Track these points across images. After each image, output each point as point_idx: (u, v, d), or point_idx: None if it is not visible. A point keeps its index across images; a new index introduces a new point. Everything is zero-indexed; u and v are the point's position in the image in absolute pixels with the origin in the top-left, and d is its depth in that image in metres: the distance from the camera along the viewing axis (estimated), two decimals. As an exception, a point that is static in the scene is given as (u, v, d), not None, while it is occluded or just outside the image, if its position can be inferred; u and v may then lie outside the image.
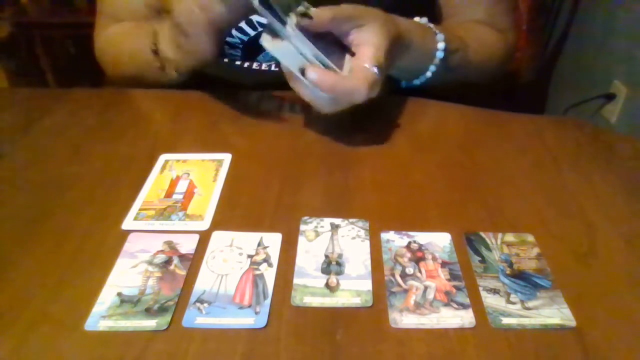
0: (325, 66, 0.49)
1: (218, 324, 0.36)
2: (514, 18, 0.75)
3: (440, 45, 0.59)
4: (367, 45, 0.50)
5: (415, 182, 0.50)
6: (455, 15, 0.70)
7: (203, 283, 0.39)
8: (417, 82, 0.63)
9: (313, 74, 0.47)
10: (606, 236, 0.44)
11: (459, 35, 0.63)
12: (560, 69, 1.60)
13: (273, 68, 0.66)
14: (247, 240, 0.43)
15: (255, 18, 0.63)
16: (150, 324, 0.35)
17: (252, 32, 0.65)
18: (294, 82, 0.51)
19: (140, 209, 0.45)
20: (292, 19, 0.47)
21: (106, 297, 0.37)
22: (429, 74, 0.61)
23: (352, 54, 0.51)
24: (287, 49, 0.48)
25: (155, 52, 0.60)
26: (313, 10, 0.48)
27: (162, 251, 0.41)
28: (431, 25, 0.61)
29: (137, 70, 0.65)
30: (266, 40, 0.48)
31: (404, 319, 0.36)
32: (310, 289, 0.38)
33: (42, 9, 1.71)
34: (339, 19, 0.49)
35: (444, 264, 0.41)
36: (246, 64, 0.67)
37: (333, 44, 0.51)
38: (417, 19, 0.61)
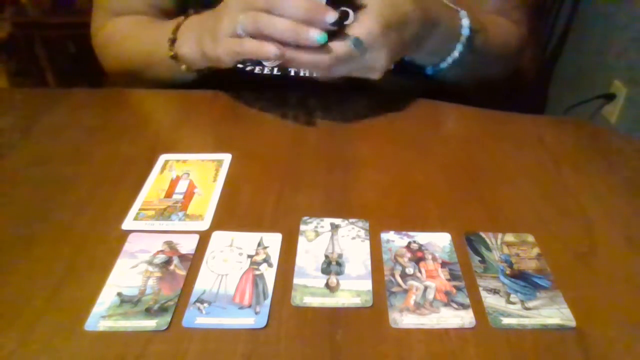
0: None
1: (218, 324, 0.36)
2: (526, 12, 0.74)
3: (465, 22, 0.59)
4: None
5: (415, 182, 0.50)
6: (469, 7, 0.70)
7: (203, 283, 0.39)
8: (444, 64, 0.62)
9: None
10: (606, 236, 0.44)
11: (478, 19, 0.63)
12: (560, 69, 1.60)
13: (275, 72, 0.66)
14: (247, 240, 0.43)
15: None
16: (150, 324, 0.35)
17: None
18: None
19: (140, 209, 0.45)
20: None
21: (106, 297, 0.37)
22: (456, 53, 0.60)
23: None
24: None
25: (172, 41, 0.60)
26: None
27: (162, 251, 0.41)
28: (452, 5, 0.61)
29: (143, 63, 0.64)
30: None
31: (404, 319, 0.36)
32: (310, 289, 0.38)
33: (42, 9, 1.71)
34: None
35: (444, 264, 0.41)
36: (248, 68, 0.67)
37: None
38: None
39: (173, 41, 0.60)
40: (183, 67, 0.61)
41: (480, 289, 0.39)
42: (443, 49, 0.61)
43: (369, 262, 0.41)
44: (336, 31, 0.50)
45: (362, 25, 0.50)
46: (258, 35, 0.49)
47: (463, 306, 0.38)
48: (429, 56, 0.61)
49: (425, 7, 0.54)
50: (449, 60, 0.61)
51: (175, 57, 0.60)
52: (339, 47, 0.49)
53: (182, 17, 0.61)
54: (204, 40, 0.55)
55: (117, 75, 0.71)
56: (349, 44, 0.49)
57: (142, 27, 0.66)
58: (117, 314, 0.36)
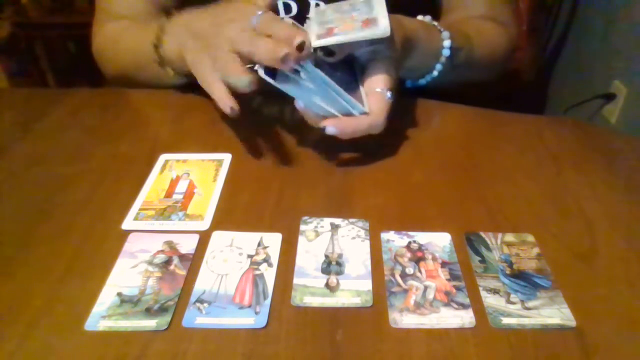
0: (339, 96, 0.47)
1: (218, 324, 0.36)
2: (514, 10, 0.74)
3: (446, 43, 0.59)
4: (378, 60, 0.50)
5: (415, 182, 0.50)
6: (455, 9, 0.70)
7: (203, 283, 0.39)
8: (423, 81, 0.62)
9: (332, 128, 0.47)
10: (606, 236, 0.44)
11: (463, 32, 0.63)
12: (560, 69, 1.60)
13: None
14: (247, 240, 0.43)
15: None
16: (150, 324, 0.35)
17: None
18: (307, 116, 0.49)
19: (140, 209, 0.45)
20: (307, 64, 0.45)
21: (106, 297, 0.37)
22: (435, 72, 0.61)
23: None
24: (304, 88, 0.46)
25: (156, 46, 0.58)
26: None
27: (162, 251, 0.41)
28: (435, 23, 0.61)
29: (135, 66, 0.64)
30: (281, 83, 0.46)
31: (404, 319, 0.36)
32: (310, 289, 0.38)
33: (42, 9, 1.71)
34: None
35: (444, 264, 0.41)
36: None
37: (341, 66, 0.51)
38: (420, 17, 0.60)
39: (157, 46, 0.58)
40: (170, 71, 0.59)
41: (480, 288, 0.39)
42: (422, 68, 0.61)
43: (369, 262, 0.41)
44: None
45: (379, 76, 0.49)
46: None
47: (463, 306, 0.38)
48: (407, 72, 0.61)
49: (403, 27, 0.54)
50: (428, 78, 0.62)
51: (161, 63, 0.59)
52: (380, 105, 0.48)
53: (164, 20, 0.58)
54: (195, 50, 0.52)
55: (113, 79, 0.71)
56: (387, 95, 0.49)
57: (134, 32, 0.65)
58: (117, 314, 0.36)
